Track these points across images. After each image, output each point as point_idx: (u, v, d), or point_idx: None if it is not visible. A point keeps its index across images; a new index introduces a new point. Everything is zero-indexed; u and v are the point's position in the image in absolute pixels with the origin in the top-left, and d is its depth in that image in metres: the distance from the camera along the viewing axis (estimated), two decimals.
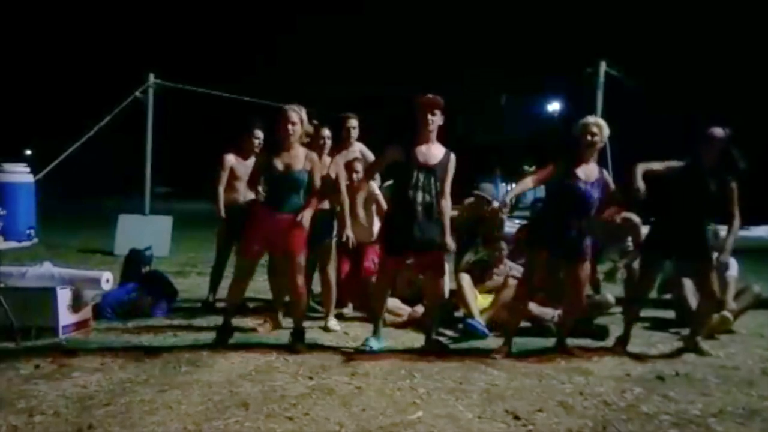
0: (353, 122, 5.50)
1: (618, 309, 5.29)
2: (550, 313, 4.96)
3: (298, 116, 4.31)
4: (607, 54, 9.71)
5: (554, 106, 32.75)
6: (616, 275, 5.37)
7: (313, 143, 4.75)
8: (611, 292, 5.39)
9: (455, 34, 33.22)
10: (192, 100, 14.64)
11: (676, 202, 4.48)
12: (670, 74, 22.38)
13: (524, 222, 6.96)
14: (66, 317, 4.55)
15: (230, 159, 5.54)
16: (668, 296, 5.90)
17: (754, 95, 20.93)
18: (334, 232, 5.09)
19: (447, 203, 4.37)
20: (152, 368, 3.83)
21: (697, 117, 5.07)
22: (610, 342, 4.75)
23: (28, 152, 34.04)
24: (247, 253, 4.44)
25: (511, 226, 6.44)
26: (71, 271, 4.93)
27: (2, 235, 4.37)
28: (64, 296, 4.54)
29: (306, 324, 4.56)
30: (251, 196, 4.81)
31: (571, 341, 4.57)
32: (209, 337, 4.50)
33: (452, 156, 4.36)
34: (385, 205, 5.14)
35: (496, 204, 5.70)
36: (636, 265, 5.00)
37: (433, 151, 4.31)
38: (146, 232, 9.07)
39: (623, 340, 4.62)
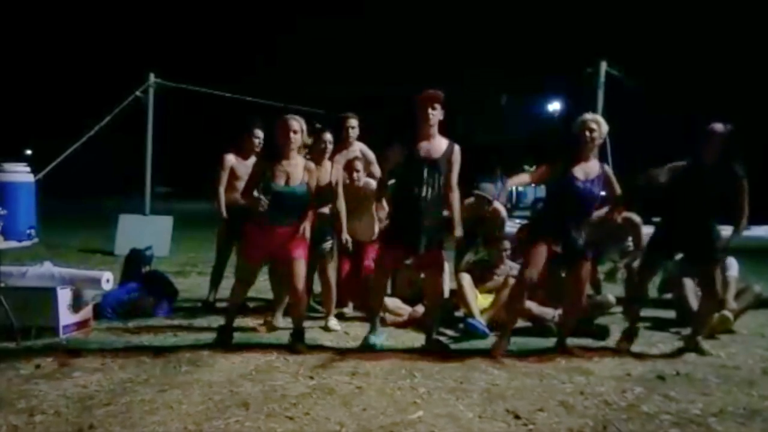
0: (353, 122, 5.50)
1: (618, 309, 5.29)
2: (551, 313, 4.96)
3: (299, 125, 4.33)
4: (607, 54, 9.70)
5: (554, 106, 32.74)
6: (617, 275, 5.38)
7: (315, 147, 4.75)
8: (612, 292, 5.39)
9: (455, 34, 33.33)
10: (192, 100, 14.67)
11: (680, 202, 4.47)
12: (670, 74, 22.41)
13: (524, 222, 6.96)
14: (66, 317, 4.55)
15: (230, 159, 5.54)
16: (668, 296, 5.91)
17: (755, 95, 20.94)
18: (333, 237, 5.07)
19: (455, 195, 4.34)
20: (153, 368, 3.83)
21: (698, 117, 5.05)
22: (611, 342, 4.75)
23: (28, 152, 34.01)
24: (250, 258, 4.46)
25: (511, 226, 6.43)
26: (71, 270, 4.92)
27: (2, 234, 4.36)
28: (64, 296, 4.54)
29: (306, 324, 4.55)
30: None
31: (571, 341, 4.56)
32: (210, 336, 4.50)
33: (456, 147, 4.31)
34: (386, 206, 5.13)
35: (496, 204, 5.70)
36: (636, 265, 5.00)
37: (436, 146, 4.27)
38: (146, 232, 9.08)
39: (629, 334, 4.62)
